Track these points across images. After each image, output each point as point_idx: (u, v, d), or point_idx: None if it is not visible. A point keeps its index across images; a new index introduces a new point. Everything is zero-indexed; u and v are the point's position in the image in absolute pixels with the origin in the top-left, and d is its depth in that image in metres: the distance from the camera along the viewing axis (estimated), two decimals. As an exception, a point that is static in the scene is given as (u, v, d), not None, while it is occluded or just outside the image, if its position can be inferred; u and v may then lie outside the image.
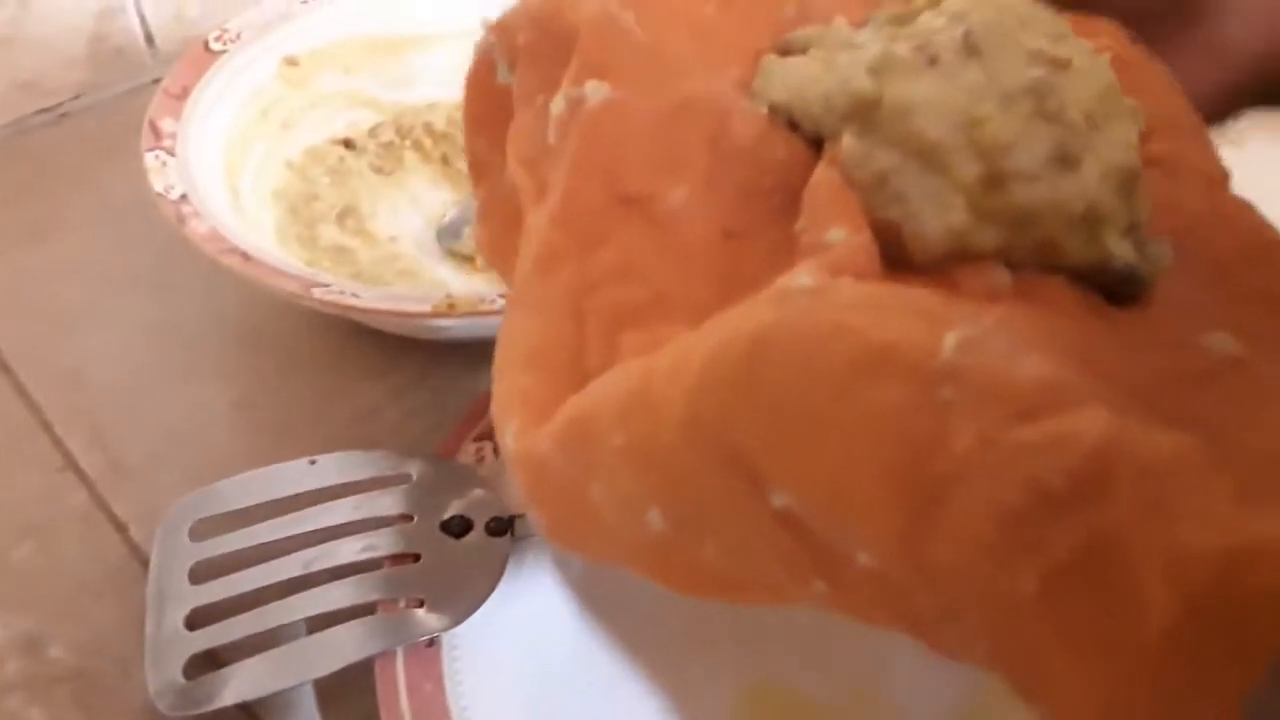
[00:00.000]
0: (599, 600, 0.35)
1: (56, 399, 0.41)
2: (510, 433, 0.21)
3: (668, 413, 0.17)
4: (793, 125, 0.22)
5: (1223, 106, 0.28)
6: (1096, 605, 0.13)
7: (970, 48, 0.20)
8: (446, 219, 0.47)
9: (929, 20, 0.21)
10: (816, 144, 0.22)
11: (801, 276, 0.17)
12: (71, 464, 0.39)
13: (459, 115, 0.50)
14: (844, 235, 0.18)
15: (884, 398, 0.15)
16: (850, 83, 0.21)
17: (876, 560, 0.16)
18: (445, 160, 0.50)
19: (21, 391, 0.41)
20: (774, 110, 0.22)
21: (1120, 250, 0.20)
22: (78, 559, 0.36)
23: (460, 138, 0.50)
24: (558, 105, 0.21)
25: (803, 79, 0.22)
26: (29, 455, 0.39)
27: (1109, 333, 0.18)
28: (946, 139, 0.19)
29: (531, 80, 0.23)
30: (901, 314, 0.16)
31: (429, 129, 0.50)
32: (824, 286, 0.17)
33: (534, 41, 0.23)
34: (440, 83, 0.51)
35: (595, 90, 0.21)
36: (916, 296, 0.17)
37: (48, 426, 0.40)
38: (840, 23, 0.23)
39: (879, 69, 0.20)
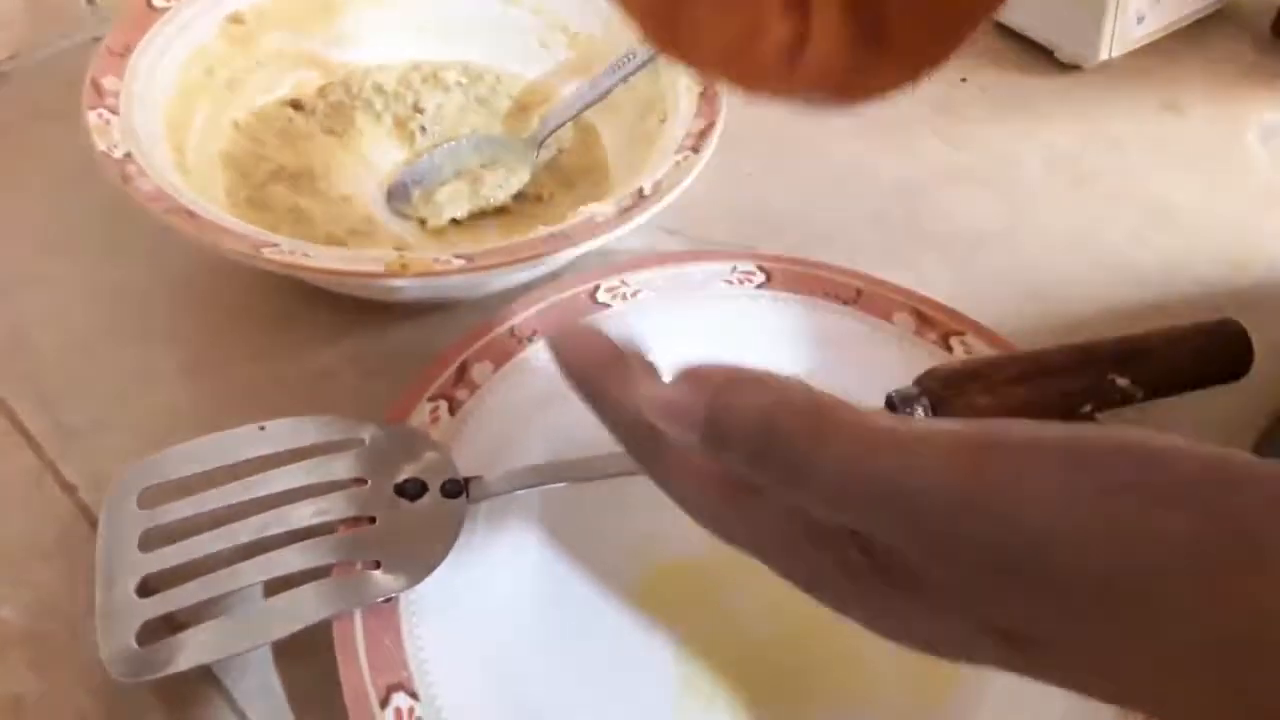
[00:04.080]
0: (549, 559, 0.35)
1: (1, 362, 0.40)
2: None
3: None
4: None
5: None
6: None
7: None
8: (394, 181, 0.47)
9: None
10: None
11: None
12: (18, 426, 0.39)
13: (410, 75, 0.50)
14: None
15: None
16: None
17: None
18: (397, 121, 0.49)
19: (-37, 356, 0.41)
20: None
21: None
22: (26, 520, 0.36)
23: (410, 98, 0.49)
24: None
25: None
26: (-28, 420, 0.39)
27: None
28: None
29: None
30: None
31: (379, 89, 0.49)
32: None
33: None
34: (389, 43, 0.51)
35: None
36: None
37: (-9, 390, 0.40)
38: None
39: None
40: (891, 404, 0.35)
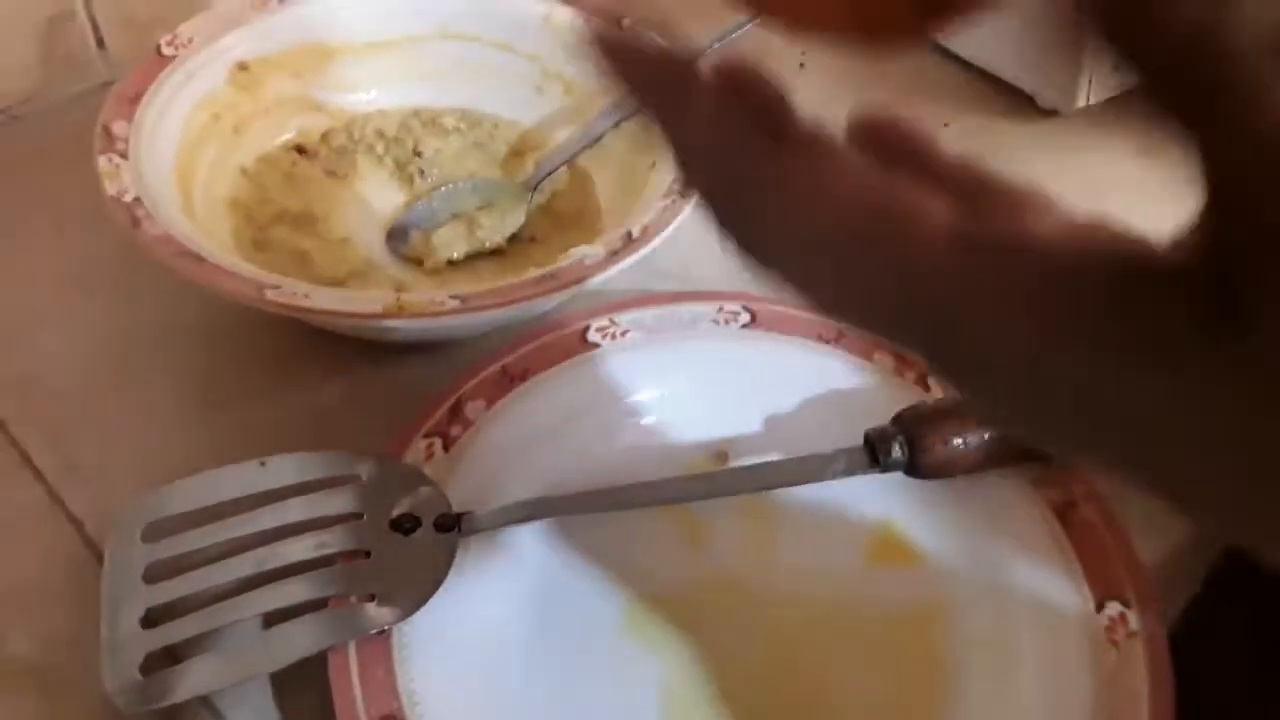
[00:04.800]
0: (539, 592, 0.36)
1: (10, 400, 0.42)
2: None
3: None
4: None
5: None
6: None
7: None
8: (394, 223, 0.48)
9: None
10: None
11: None
12: (27, 462, 0.40)
13: (410, 121, 0.52)
14: None
15: None
16: None
17: None
18: (397, 165, 0.51)
19: (-25, 393, 0.42)
20: None
21: None
22: (34, 554, 0.37)
23: (410, 142, 0.51)
24: None
25: None
26: (-17, 455, 0.40)
27: None
28: None
29: None
30: None
31: (380, 134, 0.51)
32: None
33: None
34: (391, 89, 0.52)
35: None
36: None
37: (2, 426, 0.41)
38: None
39: None
40: (869, 441, 0.37)
